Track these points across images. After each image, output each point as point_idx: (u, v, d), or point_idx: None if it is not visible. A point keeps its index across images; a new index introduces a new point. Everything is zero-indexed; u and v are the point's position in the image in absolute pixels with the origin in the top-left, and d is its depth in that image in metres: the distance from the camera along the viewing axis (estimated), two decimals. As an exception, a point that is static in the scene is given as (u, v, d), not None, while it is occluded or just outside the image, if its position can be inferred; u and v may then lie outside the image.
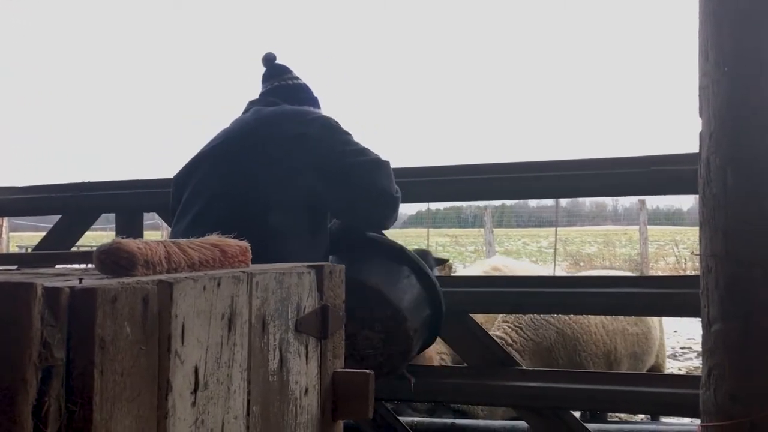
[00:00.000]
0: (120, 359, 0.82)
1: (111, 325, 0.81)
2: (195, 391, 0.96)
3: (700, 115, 1.88)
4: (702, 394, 1.84)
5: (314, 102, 2.35)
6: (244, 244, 1.26)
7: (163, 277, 0.94)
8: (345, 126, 2.17)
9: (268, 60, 2.37)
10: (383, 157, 2.13)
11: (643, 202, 14.51)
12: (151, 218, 3.77)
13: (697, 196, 1.92)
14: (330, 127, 2.12)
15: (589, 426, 2.54)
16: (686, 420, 3.30)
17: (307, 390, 1.27)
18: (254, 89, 2.38)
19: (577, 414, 2.64)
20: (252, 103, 2.32)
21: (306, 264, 1.35)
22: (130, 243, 0.98)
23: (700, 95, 1.88)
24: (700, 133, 1.88)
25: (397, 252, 2.24)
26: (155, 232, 14.06)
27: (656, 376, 3.19)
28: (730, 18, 1.81)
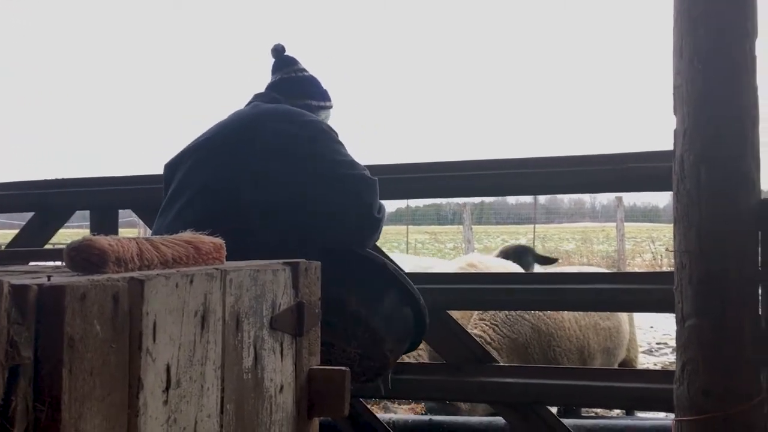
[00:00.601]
0: (89, 358, 0.81)
1: (80, 323, 0.79)
2: (167, 389, 0.95)
3: (675, 113, 1.90)
4: (676, 389, 1.86)
5: (322, 95, 2.31)
6: (219, 241, 1.24)
7: (135, 274, 0.93)
8: (339, 137, 2.13)
9: (277, 51, 2.35)
10: (370, 176, 2.09)
11: (620, 200, 14.64)
12: (128, 215, 3.72)
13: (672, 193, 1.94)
14: (324, 132, 2.08)
15: (565, 421, 2.56)
16: (661, 415, 3.34)
17: (282, 387, 1.27)
18: (254, 89, 2.34)
19: (553, 409, 2.65)
20: (256, 97, 2.29)
21: (281, 261, 1.34)
22: (102, 240, 0.97)
23: (674, 93, 1.90)
24: (675, 131, 1.90)
25: (380, 267, 2.17)
26: (131, 229, 13.93)
27: (631, 371, 3.23)
28: (703, 17, 1.83)
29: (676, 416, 1.88)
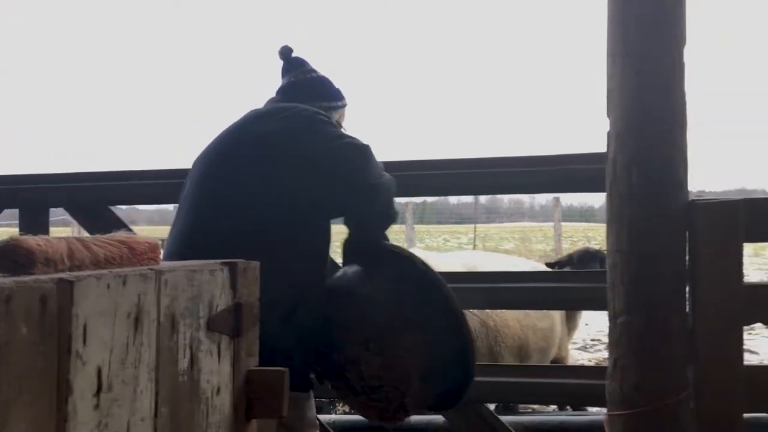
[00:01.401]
0: (15, 361, 0.78)
1: (5, 326, 0.77)
2: (98, 392, 0.92)
3: (608, 116, 1.95)
4: (608, 385, 1.92)
5: (335, 95, 2.26)
6: (154, 240, 1.22)
7: (64, 275, 0.90)
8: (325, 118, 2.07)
9: (284, 54, 2.28)
10: (363, 142, 2.02)
11: (557, 200, 14.97)
12: (61, 214, 3.61)
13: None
14: (308, 118, 2.03)
15: (503, 418, 2.61)
16: (594, 410, 3.43)
17: (219, 389, 1.25)
18: (254, 89, 2.32)
19: (491, 406, 2.69)
20: (269, 101, 2.26)
21: (219, 261, 1.32)
22: (29, 240, 0.94)
23: (607, 96, 1.95)
24: (608, 133, 1.95)
25: (407, 264, 1.99)
26: (65, 228, 13.49)
27: (566, 367, 3.31)
28: (635, 22, 1.89)
29: (608, 411, 1.93)
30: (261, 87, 2.31)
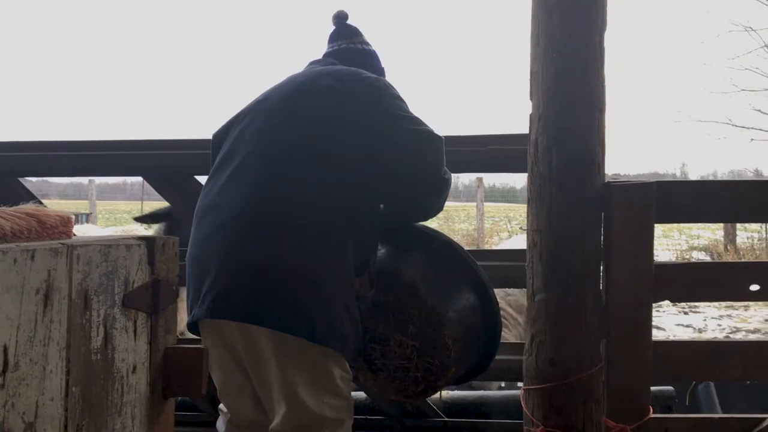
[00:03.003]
0: None
1: None
2: (4, 372, 0.88)
3: (531, 98, 1.99)
4: (525, 360, 1.97)
5: (381, 73, 2.12)
6: (66, 214, 1.17)
7: (-35, 248, 0.85)
8: (398, 92, 1.97)
9: (340, 18, 2.15)
10: (437, 133, 1.94)
11: (480, 180, 15.23)
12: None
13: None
14: (380, 88, 1.93)
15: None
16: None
17: (135, 368, 1.21)
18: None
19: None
20: (312, 63, 2.11)
21: (136, 236, 1.28)
22: (-74, 211, 0.88)
23: (530, 79, 1.98)
24: (530, 115, 1.98)
25: (448, 248, 1.99)
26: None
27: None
28: (560, 6, 1.92)
29: (524, 385, 1.99)
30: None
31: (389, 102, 1.92)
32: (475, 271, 2.04)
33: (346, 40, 2.13)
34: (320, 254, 1.77)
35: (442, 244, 2.04)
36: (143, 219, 3.74)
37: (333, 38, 2.16)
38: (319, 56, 2.16)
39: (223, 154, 1.94)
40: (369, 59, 2.12)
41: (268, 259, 1.74)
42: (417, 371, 1.93)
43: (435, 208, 2.00)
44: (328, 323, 1.74)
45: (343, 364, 1.82)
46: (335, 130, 1.86)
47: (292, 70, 2.12)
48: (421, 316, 1.90)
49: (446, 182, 1.96)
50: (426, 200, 1.96)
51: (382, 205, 1.98)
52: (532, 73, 1.98)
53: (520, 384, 2.12)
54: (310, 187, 1.80)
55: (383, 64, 2.17)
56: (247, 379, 1.85)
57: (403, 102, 1.95)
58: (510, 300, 4.11)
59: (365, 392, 2.62)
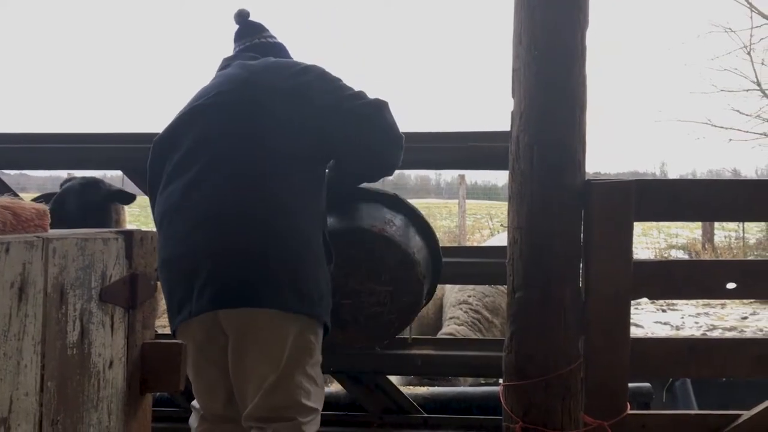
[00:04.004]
0: None
1: None
2: (-24, 367, 0.87)
3: (513, 96, 1.99)
4: (505, 357, 1.98)
5: None
6: (42, 207, 1.15)
7: (-62, 241, 0.84)
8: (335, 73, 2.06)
9: (242, 16, 2.18)
10: (381, 98, 2.03)
11: (462, 177, 15.24)
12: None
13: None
14: (324, 74, 2.02)
15: (403, 389, 2.65)
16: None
17: (111, 363, 1.20)
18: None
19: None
20: (228, 60, 2.13)
21: (113, 230, 1.27)
22: None
23: (513, 76, 1.99)
24: (512, 113, 1.99)
25: (393, 199, 2.18)
26: (-52, 193, 12.58)
27: (465, 340, 3.39)
28: (542, 5, 1.93)
29: (504, 381, 2.00)
30: (234, 45, 2.18)
31: (335, 84, 2.00)
32: (410, 207, 2.24)
33: (257, 35, 2.19)
34: (300, 234, 1.84)
35: (385, 195, 2.22)
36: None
37: (240, 36, 2.21)
38: (229, 54, 2.20)
39: (182, 154, 1.95)
40: (279, 52, 2.18)
41: (261, 247, 1.80)
42: (390, 314, 2.03)
43: (397, 165, 2.10)
44: (320, 298, 1.84)
45: (320, 344, 1.89)
46: (293, 125, 1.92)
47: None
48: (396, 260, 2.02)
49: (402, 138, 2.06)
50: (391, 159, 2.06)
51: (341, 171, 2.09)
52: (514, 71, 1.98)
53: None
54: (280, 173, 1.87)
55: (291, 55, 2.24)
56: (219, 376, 1.88)
57: (341, 80, 2.04)
58: (487, 302, 4.13)
59: (344, 387, 2.62)
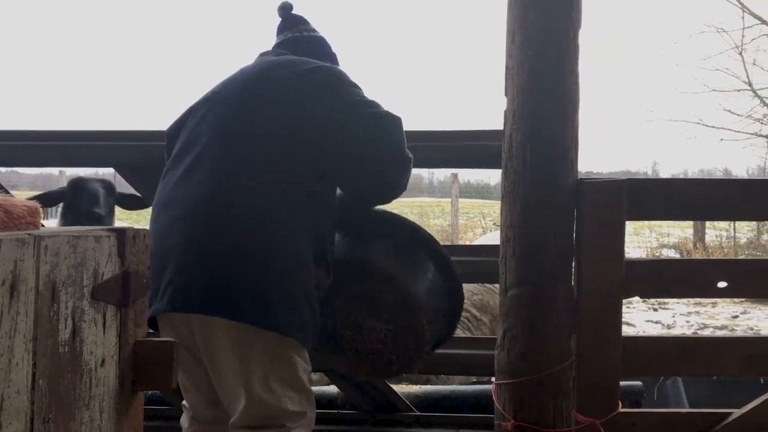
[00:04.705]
0: None
1: None
2: (-32, 365, 0.86)
3: (506, 94, 2.00)
4: (497, 355, 1.99)
5: (331, 58, 2.12)
6: (34, 204, 1.15)
7: (-72, 238, 0.83)
8: (353, 79, 1.97)
9: (285, 9, 2.14)
10: (395, 113, 1.94)
11: (455, 176, 15.26)
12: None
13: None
14: (338, 76, 1.94)
15: (395, 388, 2.65)
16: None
17: (104, 361, 1.20)
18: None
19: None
20: (262, 55, 2.10)
21: (106, 227, 1.26)
22: None
23: (506, 75, 1.99)
24: (505, 111, 2.00)
25: (410, 231, 2.03)
26: (-62, 190, 12.51)
27: (457, 338, 3.39)
28: (534, 4, 1.93)
29: (496, 379, 2.00)
30: (275, 39, 2.17)
31: (345, 89, 1.92)
32: (429, 241, 2.07)
33: (293, 29, 2.14)
34: (279, 244, 1.76)
35: (403, 227, 2.07)
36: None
37: (281, 29, 2.17)
38: (269, 48, 2.16)
39: (180, 147, 1.93)
40: (318, 46, 2.12)
41: (228, 250, 1.74)
42: (391, 354, 1.94)
43: (401, 188, 2.01)
44: (290, 313, 1.74)
45: (304, 355, 1.82)
46: (292, 120, 1.86)
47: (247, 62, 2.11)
48: (397, 302, 1.92)
49: (410, 161, 1.98)
50: (393, 179, 1.97)
51: (343, 191, 2.00)
52: (507, 70, 1.99)
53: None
54: (268, 177, 1.81)
55: (333, 50, 2.18)
56: (203, 375, 1.83)
57: (358, 88, 1.96)
58: (475, 300, 4.14)
59: (337, 386, 2.62)
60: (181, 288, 1.72)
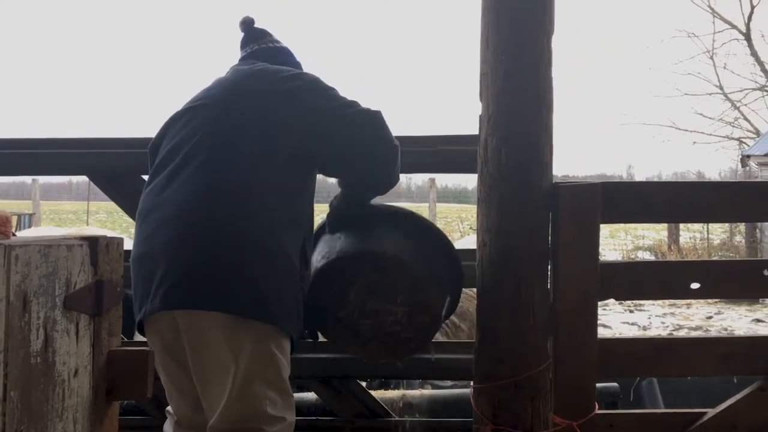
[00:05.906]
0: None
1: None
2: (-64, 377, 0.85)
3: (481, 99, 2.01)
4: (475, 358, 1.99)
5: (297, 66, 2.17)
6: (4, 213, 1.13)
7: None
8: (329, 82, 2.02)
9: (246, 24, 2.17)
10: (374, 108, 1.98)
11: (433, 181, 15.31)
12: None
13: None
14: (314, 82, 1.99)
15: (374, 393, 2.65)
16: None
17: (77, 371, 1.18)
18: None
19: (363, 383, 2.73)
20: (235, 67, 2.13)
21: (78, 236, 1.25)
22: None
23: (480, 81, 2.01)
24: (480, 116, 2.01)
25: (409, 218, 2.14)
26: None
27: (434, 343, 3.40)
28: (508, 10, 1.95)
29: (474, 383, 2.01)
30: (240, 53, 2.21)
31: (324, 92, 1.97)
32: (424, 224, 2.19)
33: (259, 41, 2.19)
34: (266, 239, 1.81)
35: (404, 216, 2.17)
36: None
37: (245, 43, 2.21)
38: (235, 62, 2.19)
39: (163, 155, 1.96)
40: (284, 56, 2.17)
41: (216, 247, 1.78)
42: (408, 332, 2.01)
43: (394, 178, 2.05)
44: (279, 305, 1.79)
45: (287, 354, 1.85)
46: (273, 127, 1.90)
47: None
48: (411, 284, 1.99)
49: (398, 148, 2.01)
50: (387, 170, 2.01)
51: (341, 187, 2.07)
52: (482, 75, 2.00)
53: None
54: (252, 177, 1.85)
55: (298, 58, 2.22)
56: (188, 380, 1.85)
57: (335, 90, 2.01)
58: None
59: (317, 393, 2.61)
60: (174, 285, 1.75)
